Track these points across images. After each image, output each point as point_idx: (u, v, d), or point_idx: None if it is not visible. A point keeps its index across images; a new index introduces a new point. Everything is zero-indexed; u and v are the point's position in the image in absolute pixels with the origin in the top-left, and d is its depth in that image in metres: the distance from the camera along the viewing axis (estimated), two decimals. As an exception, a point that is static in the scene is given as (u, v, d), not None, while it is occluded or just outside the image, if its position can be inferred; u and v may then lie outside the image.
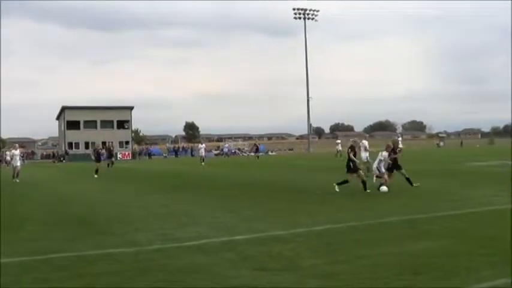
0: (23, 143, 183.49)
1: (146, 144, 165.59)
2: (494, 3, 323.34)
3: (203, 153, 58.96)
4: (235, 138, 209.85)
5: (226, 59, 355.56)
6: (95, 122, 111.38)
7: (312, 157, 66.43)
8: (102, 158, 50.08)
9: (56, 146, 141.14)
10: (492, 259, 9.69)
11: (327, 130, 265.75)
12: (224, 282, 8.65)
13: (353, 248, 11.05)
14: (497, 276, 8.57)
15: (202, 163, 55.12)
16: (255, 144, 62.59)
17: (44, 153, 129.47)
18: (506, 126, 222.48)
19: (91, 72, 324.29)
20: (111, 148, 58.24)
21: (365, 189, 20.80)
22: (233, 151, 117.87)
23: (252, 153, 60.42)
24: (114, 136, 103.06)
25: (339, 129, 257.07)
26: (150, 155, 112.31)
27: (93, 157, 47.62)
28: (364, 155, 28.75)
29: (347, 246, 11.27)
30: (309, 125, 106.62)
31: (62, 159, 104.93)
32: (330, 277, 8.78)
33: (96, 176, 38.15)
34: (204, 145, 62.72)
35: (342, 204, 18.24)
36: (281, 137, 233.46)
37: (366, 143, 29.72)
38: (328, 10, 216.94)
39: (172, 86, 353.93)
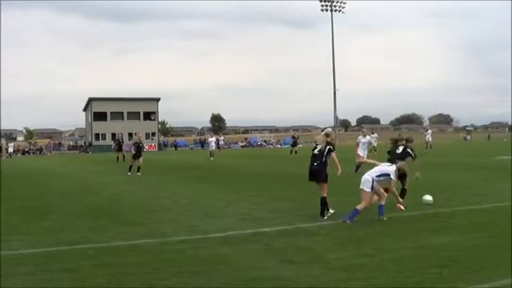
0: (51, 134, 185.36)
1: (173, 135, 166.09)
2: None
3: (213, 147, 53.13)
4: (261, 130, 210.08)
5: (252, 51, 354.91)
6: (122, 113, 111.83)
7: (340, 150, 66.37)
8: (124, 148, 50.23)
9: (82, 137, 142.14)
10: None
11: (353, 123, 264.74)
12: (250, 273, 8.72)
13: (377, 241, 11.09)
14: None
15: (211, 158, 49.41)
16: (293, 137, 57.26)
17: (71, 144, 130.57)
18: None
19: (117, 63, 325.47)
20: (121, 140, 54.40)
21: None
22: (259, 143, 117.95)
23: (291, 146, 56.13)
24: (140, 127, 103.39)
25: (365, 122, 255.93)
26: (176, 146, 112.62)
27: (115, 147, 48.14)
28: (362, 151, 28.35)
29: (372, 239, 11.30)
30: (336, 117, 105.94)
31: (87, 150, 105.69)
32: (355, 269, 8.82)
33: (132, 168, 32.47)
34: (214, 138, 56.78)
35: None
36: (307, 129, 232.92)
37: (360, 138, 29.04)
38: (352, 1, 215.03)
39: (199, 78, 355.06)
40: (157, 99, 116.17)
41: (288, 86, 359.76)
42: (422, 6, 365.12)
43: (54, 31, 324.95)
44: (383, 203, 13.77)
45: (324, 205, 13.98)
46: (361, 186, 13.60)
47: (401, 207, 14.75)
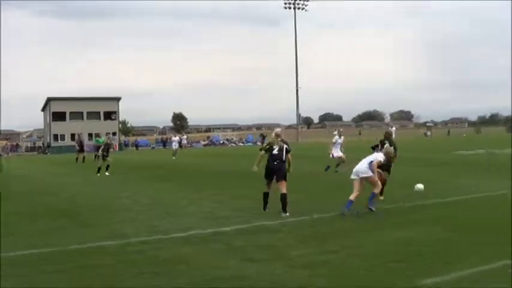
0: (7, 136, 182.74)
1: (134, 135, 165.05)
2: None
3: (176, 146, 52.40)
4: (223, 128, 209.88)
5: (214, 49, 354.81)
6: (81, 113, 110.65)
7: (302, 147, 66.35)
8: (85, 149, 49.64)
9: (41, 138, 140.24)
10: (478, 246, 9.81)
11: (316, 120, 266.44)
12: (212, 273, 8.63)
13: (340, 237, 11.12)
14: (485, 262, 8.67)
15: (174, 157, 48.48)
16: (261, 134, 56.82)
17: (29, 145, 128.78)
18: (492, 115, 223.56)
19: (77, 62, 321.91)
20: (82, 140, 52.85)
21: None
22: (221, 141, 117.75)
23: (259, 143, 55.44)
24: (100, 127, 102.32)
25: (327, 119, 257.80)
26: (137, 146, 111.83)
27: (77, 147, 47.68)
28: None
29: (335, 235, 11.33)
30: (298, 115, 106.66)
31: (45, 151, 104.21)
32: (318, 266, 8.82)
33: (101, 170, 31.73)
34: (177, 138, 56.57)
35: (328, 194, 18.26)
36: (270, 127, 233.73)
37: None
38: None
39: (160, 77, 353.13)
40: (118, 99, 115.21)
41: (251, 84, 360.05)
42: (386, 5, 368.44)
43: (10, 29, 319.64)
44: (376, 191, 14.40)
45: (285, 201, 14.10)
46: (360, 176, 14.12)
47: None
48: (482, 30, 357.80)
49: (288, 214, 13.87)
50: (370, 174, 14.14)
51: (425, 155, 41.76)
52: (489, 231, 11.10)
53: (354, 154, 16.34)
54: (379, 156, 14.66)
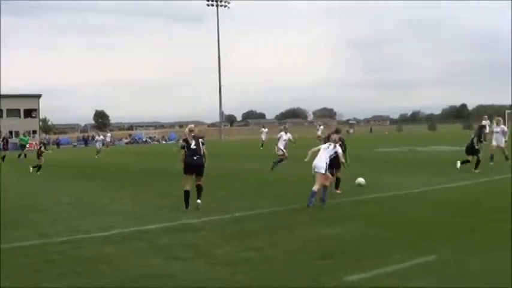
0: None
1: (55, 133, 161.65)
2: None
3: (100, 145, 50.60)
4: (146, 126, 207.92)
5: (136, 46, 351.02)
6: (1, 111, 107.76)
7: (225, 145, 66.45)
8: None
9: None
10: (399, 242, 10.02)
11: (239, 118, 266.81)
12: (135, 272, 8.57)
13: (265, 234, 11.18)
14: (407, 258, 8.85)
15: (96, 156, 47.16)
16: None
17: None
18: (414, 113, 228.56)
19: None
20: (6, 139, 50.55)
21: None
22: (144, 139, 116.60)
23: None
24: (21, 125, 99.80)
25: (251, 117, 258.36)
26: (58, 144, 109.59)
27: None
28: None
29: (258, 233, 11.38)
30: (221, 113, 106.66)
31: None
32: (241, 263, 8.86)
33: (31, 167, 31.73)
34: (101, 137, 54.10)
35: (252, 192, 18.40)
36: (194, 125, 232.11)
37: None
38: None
39: (82, 74, 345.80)
40: (39, 96, 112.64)
41: (174, 82, 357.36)
42: (310, 4, 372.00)
43: None
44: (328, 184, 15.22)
45: (200, 190, 14.78)
46: (316, 170, 14.78)
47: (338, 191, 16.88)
48: (406, 30, 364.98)
49: (199, 201, 14.55)
50: (323, 171, 14.77)
51: (348, 151, 42.18)
52: (412, 228, 11.38)
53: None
54: (338, 149, 15.59)
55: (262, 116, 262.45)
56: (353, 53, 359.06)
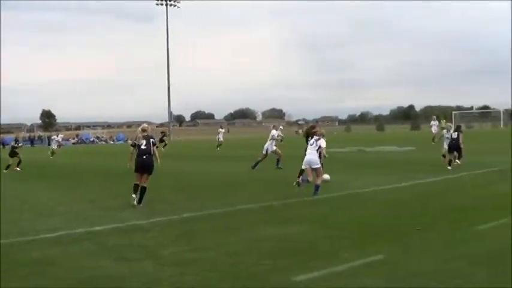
0: None
1: (0, 133, 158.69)
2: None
3: (55, 146, 50.05)
4: (93, 126, 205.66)
5: (85, 44, 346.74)
6: None
7: (175, 146, 66.08)
8: None
9: None
10: (348, 242, 10.16)
11: (187, 118, 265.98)
12: (84, 273, 8.56)
13: (212, 235, 11.26)
14: (356, 258, 8.99)
15: (51, 156, 46.78)
16: (162, 132, 54.87)
17: None
18: (362, 114, 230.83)
19: None
20: None
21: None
22: (91, 139, 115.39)
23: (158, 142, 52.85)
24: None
25: (199, 117, 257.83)
26: (4, 144, 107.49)
27: None
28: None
29: (206, 233, 11.45)
30: (170, 113, 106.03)
31: None
32: (190, 264, 8.92)
33: None
34: (58, 137, 53.31)
35: (202, 192, 18.47)
36: (141, 124, 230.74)
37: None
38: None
39: (29, 72, 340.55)
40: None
41: (123, 81, 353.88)
42: (261, 3, 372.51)
43: None
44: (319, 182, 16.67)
45: (143, 194, 15.21)
46: (313, 166, 16.69)
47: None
48: (357, 31, 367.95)
49: (141, 205, 15.03)
50: (319, 165, 16.75)
51: (297, 152, 42.51)
52: (361, 228, 11.57)
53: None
54: (322, 143, 17.19)
55: (211, 116, 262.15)
56: (303, 54, 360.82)
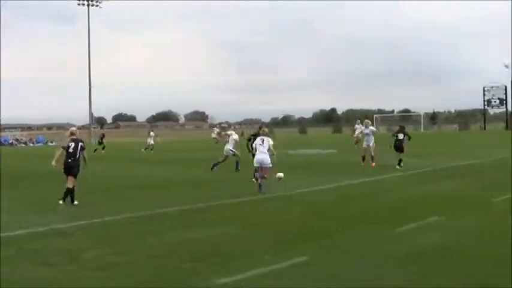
0: None
1: None
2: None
3: None
4: (11, 128, 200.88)
5: (4, 44, 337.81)
6: None
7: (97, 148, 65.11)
8: None
9: None
10: (270, 244, 10.32)
11: (109, 120, 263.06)
12: (3, 278, 8.43)
13: (133, 239, 11.32)
14: (278, 260, 9.17)
15: None
16: (102, 134, 54.64)
17: None
18: (285, 117, 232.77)
19: None
20: None
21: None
22: (10, 141, 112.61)
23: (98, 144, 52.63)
24: None
25: (121, 119, 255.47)
26: None
27: None
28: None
29: (127, 237, 11.52)
30: (91, 115, 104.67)
31: None
32: (111, 268, 8.97)
33: None
34: None
35: (123, 196, 18.46)
36: (62, 127, 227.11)
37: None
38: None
39: None
40: None
41: (43, 82, 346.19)
42: (184, 4, 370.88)
43: None
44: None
45: (71, 195, 15.78)
46: (264, 165, 18.19)
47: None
48: (280, 34, 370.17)
49: (76, 203, 15.70)
50: (270, 165, 18.30)
51: (217, 154, 42.80)
52: (284, 229, 11.83)
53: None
54: (270, 141, 18.56)
55: (133, 118, 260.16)
56: (226, 56, 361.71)
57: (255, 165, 18.56)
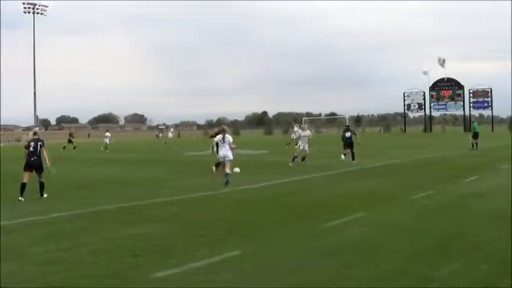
0: None
1: None
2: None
3: None
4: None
5: None
6: None
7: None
8: None
9: None
10: (206, 239, 10.73)
11: (53, 122, 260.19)
12: None
13: (76, 235, 11.47)
14: (212, 254, 9.53)
15: None
16: (71, 133, 56.72)
17: None
18: (219, 119, 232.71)
19: None
20: None
21: None
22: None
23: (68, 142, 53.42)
24: None
25: (64, 121, 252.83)
26: None
27: None
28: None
29: (70, 233, 11.65)
30: (36, 117, 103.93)
31: None
32: (54, 264, 9.13)
33: None
34: None
35: (64, 193, 18.63)
36: (8, 128, 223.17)
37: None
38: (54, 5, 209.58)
39: None
40: None
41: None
42: (127, 11, 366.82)
43: None
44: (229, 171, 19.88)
45: (43, 187, 17.31)
46: (227, 159, 20.10)
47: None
48: (214, 39, 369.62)
49: (46, 195, 17.17)
50: (231, 158, 20.26)
51: (159, 155, 44.12)
52: (217, 226, 12.19)
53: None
54: (230, 138, 20.48)
55: (75, 120, 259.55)
56: (163, 61, 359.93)
57: (220, 159, 20.42)
